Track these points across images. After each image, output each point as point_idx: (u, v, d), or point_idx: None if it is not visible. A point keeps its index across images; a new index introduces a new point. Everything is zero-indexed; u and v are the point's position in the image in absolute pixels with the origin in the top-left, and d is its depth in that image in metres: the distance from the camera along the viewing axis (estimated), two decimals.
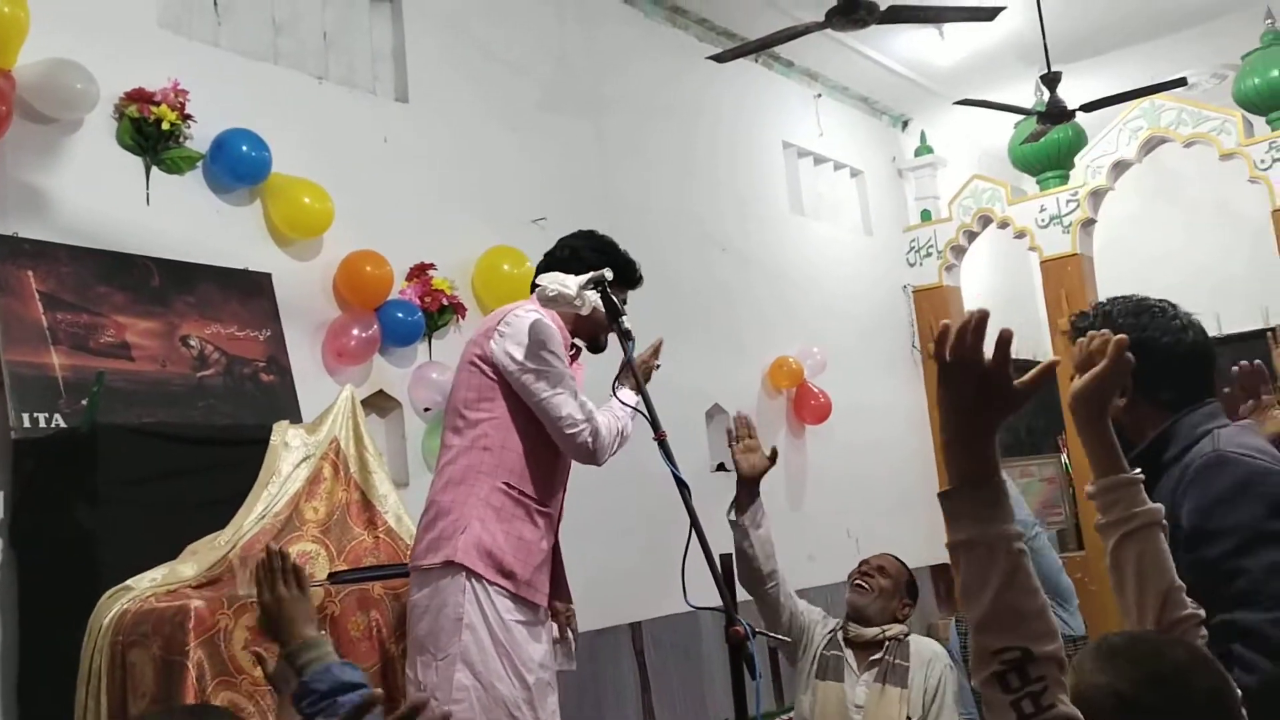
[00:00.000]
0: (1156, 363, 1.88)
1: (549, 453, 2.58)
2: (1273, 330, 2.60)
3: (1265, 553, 1.71)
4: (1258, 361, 2.45)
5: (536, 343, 2.51)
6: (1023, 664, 1.16)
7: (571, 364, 2.69)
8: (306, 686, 1.78)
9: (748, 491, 3.17)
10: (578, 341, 2.76)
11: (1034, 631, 1.18)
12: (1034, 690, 1.15)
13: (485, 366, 2.57)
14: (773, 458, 3.15)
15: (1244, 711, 1.32)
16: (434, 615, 2.45)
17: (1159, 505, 1.60)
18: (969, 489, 1.23)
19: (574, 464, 2.68)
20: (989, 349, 1.23)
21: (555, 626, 2.78)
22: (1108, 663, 1.27)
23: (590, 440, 2.51)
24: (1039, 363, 1.35)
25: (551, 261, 2.75)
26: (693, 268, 5.48)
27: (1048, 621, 1.20)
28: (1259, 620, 1.67)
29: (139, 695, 2.49)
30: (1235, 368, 2.44)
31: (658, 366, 2.81)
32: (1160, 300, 2.01)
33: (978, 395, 1.22)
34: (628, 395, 2.63)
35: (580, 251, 2.72)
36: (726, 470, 5.52)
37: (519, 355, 2.51)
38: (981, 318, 1.21)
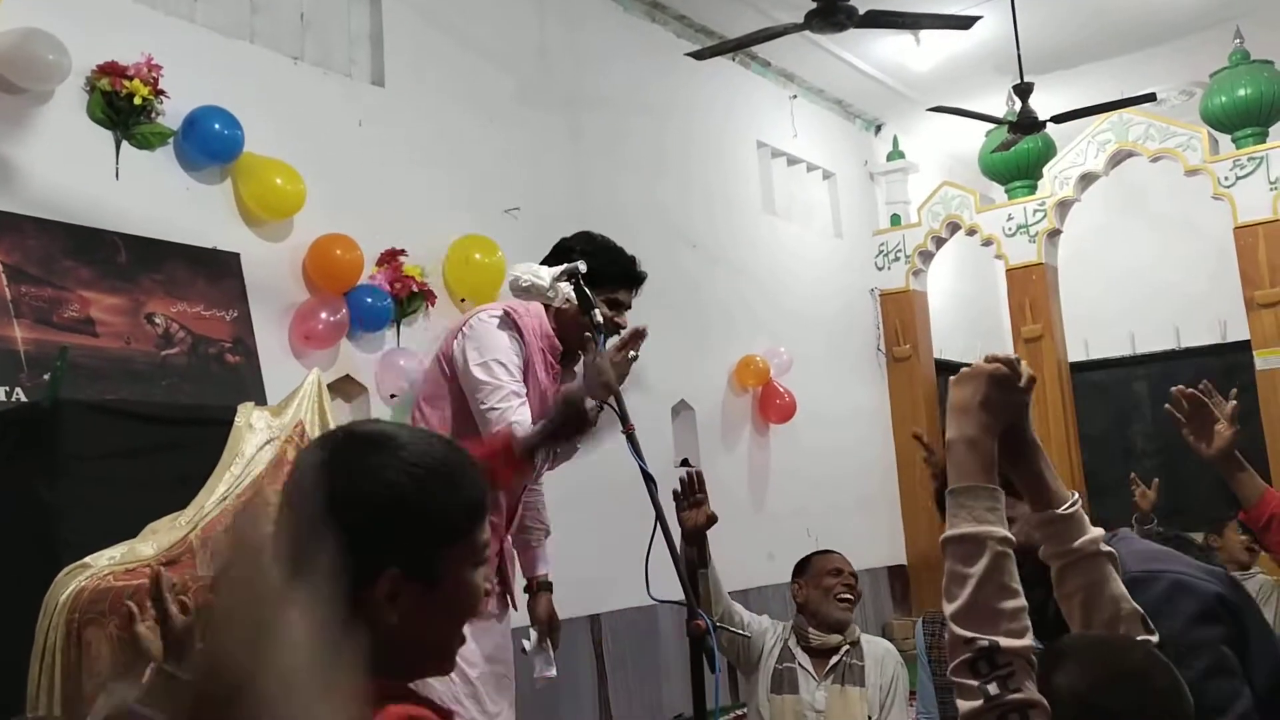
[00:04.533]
0: None
1: None
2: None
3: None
4: (1204, 383, 2.43)
5: (489, 350, 2.53)
6: (991, 653, 1.23)
7: (556, 373, 2.67)
8: None
9: (699, 548, 2.93)
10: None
11: (1006, 628, 1.24)
12: (1001, 675, 1.21)
13: (444, 364, 2.61)
14: (712, 519, 2.92)
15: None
16: None
17: (1097, 533, 1.47)
18: (969, 490, 1.31)
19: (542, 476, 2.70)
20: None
21: (535, 635, 2.84)
22: (1068, 664, 1.30)
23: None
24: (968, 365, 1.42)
25: (545, 259, 2.69)
26: (663, 263, 5.46)
27: (1021, 621, 1.25)
28: None
29: (94, 674, 2.46)
30: (1174, 390, 2.41)
31: (634, 358, 2.62)
32: None
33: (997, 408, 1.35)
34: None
35: (571, 250, 2.64)
36: (690, 466, 5.54)
37: (475, 359, 2.53)
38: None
